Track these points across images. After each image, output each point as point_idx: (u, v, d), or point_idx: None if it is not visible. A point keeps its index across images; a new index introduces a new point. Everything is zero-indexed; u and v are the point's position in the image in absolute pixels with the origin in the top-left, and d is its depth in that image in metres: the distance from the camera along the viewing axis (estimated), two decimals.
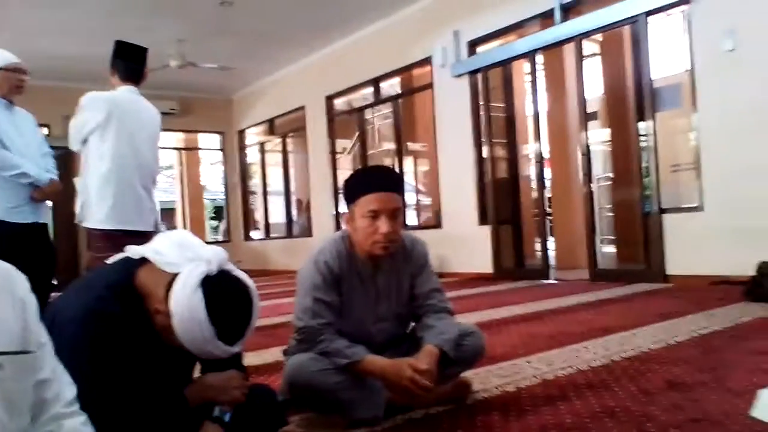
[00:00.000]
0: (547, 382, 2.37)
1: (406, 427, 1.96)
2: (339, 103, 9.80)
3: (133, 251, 1.46)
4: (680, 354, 2.71)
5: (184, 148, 13.23)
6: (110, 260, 1.50)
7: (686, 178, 6.14)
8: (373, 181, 2.04)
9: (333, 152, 9.77)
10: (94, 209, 3.20)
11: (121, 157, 3.22)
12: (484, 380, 2.44)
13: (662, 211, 5.59)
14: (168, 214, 16.71)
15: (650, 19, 5.64)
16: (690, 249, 5.36)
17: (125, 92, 3.32)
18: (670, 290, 5.07)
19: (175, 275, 1.33)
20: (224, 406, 1.52)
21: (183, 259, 1.36)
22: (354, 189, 2.07)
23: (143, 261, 1.42)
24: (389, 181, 2.05)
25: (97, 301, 1.34)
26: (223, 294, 1.33)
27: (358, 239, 2.07)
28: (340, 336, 2.01)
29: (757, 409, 0.80)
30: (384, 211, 1.99)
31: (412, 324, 2.26)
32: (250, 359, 3.10)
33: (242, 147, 12.24)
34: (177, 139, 12.88)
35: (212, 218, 19.10)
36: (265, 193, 12.05)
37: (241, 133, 12.15)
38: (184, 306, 1.29)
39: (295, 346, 2.09)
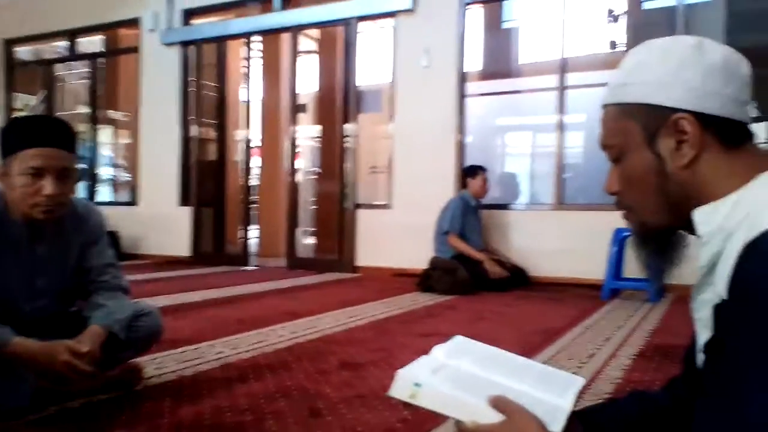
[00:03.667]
0: (228, 366, 2.30)
1: (59, 418, 1.70)
2: (23, 51, 8.42)
3: None
4: (357, 336, 2.89)
5: None
6: None
7: (381, 179, 6.70)
8: (39, 132, 1.72)
9: (10, 107, 8.33)
10: None
11: None
12: (161, 365, 2.27)
13: (357, 206, 6.00)
14: None
15: (362, 26, 6.01)
16: (378, 243, 5.85)
17: None
18: (358, 280, 5.45)
19: None
20: None
21: None
22: (13, 139, 1.72)
23: None
24: (59, 134, 1.75)
25: None
26: None
27: (13, 199, 1.73)
28: None
29: (393, 389, 0.82)
30: (49, 169, 1.69)
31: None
32: None
33: None
34: None
35: None
36: None
37: None
38: None
39: None
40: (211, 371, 2.22)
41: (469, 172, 5.04)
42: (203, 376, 2.15)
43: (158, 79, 6.97)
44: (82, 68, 8.68)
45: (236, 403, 1.84)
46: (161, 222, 6.92)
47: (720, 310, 0.71)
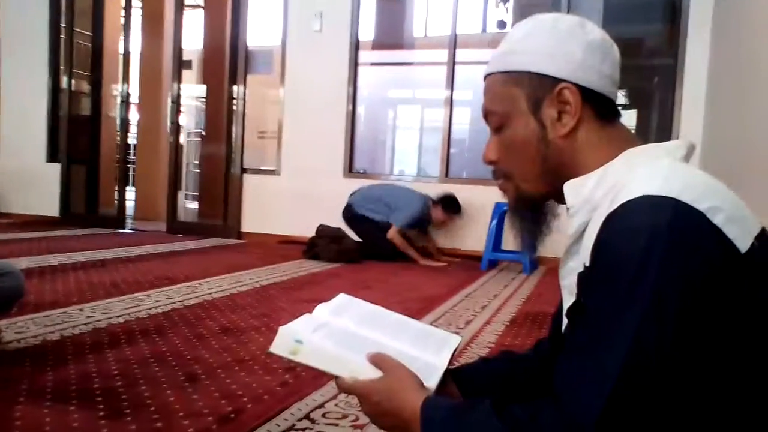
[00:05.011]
0: (98, 330, 2.17)
1: None
2: None
3: None
4: (239, 302, 2.83)
5: None
6: None
7: (269, 144, 6.56)
8: None
9: None
10: None
11: None
12: (22, 329, 2.11)
13: (244, 171, 5.84)
14: None
15: None
16: (264, 209, 5.74)
17: None
18: (243, 246, 5.33)
19: None
20: None
21: None
22: None
23: None
24: None
25: None
26: None
27: None
28: None
29: (274, 346, 0.81)
30: None
31: None
32: None
33: None
34: None
35: None
36: None
37: None
38: None
39: None
40: (80, 336, 2.08)
41: (447, 204, 4.75)
42: (70, 341, 2.01)
43: (23, 20, 6.34)
44: None
45: (106, 369, 1.75)
46: (26, 178, 6.37)
47: (583, 277, 0.75)
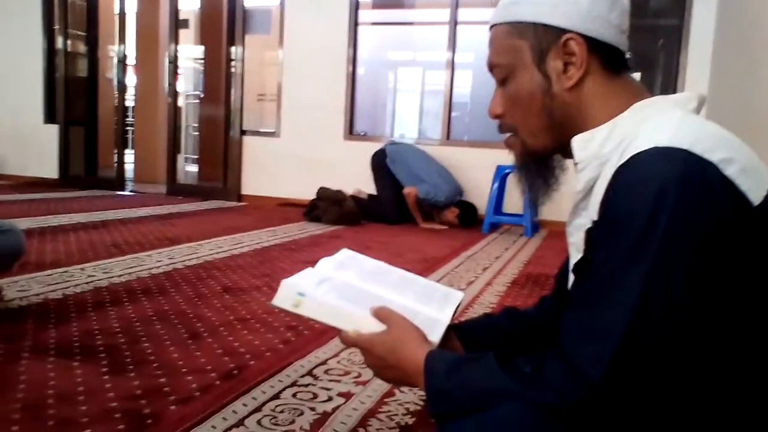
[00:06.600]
0: (99, 289, 2.17)
1: None
2: None
3: None
4: (240, 263, 2.83)
5: None
6: None
7: (269, 106, 6.49)
8: None
9: None
10: None
11: None
12: (24, 287, 2.11)
13: (243, 133, 5.80)
14: None
15: None
16: (264, 171, 5.71)
17: None
18: (243, 208, 5.32)
19: None
20: None
21: None
22: None
23: None
24: None
25: None
26: None
27: None
28: None
29: (277, 299, 0.80)
30: None
31: None
32: None
33: None
34: None
35: None
36: None
37: None
38: None
39: None
40: (81, 295, 2.09)
41: (464, 214, 4.62)
42: (72, 300, 2.02)
43: None
44: None
45: (108, 326, 1.75)
46: (23, 140, 6.32)
47: (591, 232, 0.74)
